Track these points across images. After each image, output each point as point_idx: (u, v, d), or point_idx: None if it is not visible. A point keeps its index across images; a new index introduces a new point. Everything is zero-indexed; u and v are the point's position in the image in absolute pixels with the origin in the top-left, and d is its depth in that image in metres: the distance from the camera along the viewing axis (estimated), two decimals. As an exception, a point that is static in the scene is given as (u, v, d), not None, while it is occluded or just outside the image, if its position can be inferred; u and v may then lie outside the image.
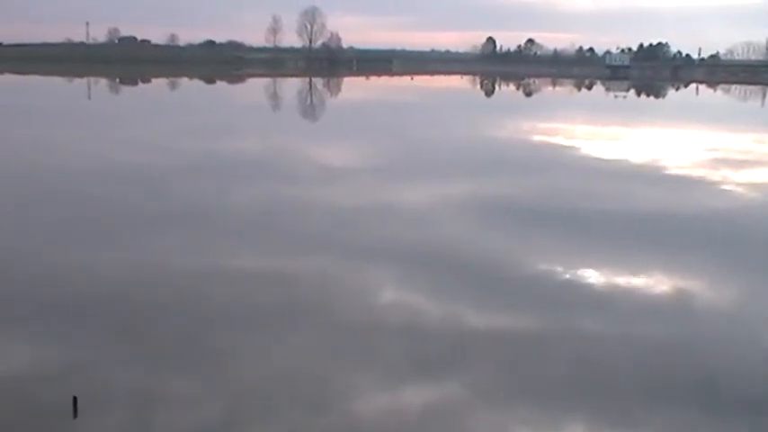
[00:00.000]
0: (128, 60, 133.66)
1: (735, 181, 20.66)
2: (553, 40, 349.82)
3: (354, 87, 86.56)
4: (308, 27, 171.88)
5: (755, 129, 41.76)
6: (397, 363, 7.91)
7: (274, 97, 65.05)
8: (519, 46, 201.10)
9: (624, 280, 11.07)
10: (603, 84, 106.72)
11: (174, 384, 7.31)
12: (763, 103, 72.53)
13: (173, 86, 77.34)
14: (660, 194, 18.55)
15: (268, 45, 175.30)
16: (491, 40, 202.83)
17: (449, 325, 9.05)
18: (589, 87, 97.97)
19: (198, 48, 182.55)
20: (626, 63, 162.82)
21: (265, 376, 7.59)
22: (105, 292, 9.94)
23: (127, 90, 73.18)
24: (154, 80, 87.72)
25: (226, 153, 24.26)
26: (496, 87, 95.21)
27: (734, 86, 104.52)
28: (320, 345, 8.42)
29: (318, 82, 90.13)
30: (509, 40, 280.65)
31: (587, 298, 10.28)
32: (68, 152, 24.05)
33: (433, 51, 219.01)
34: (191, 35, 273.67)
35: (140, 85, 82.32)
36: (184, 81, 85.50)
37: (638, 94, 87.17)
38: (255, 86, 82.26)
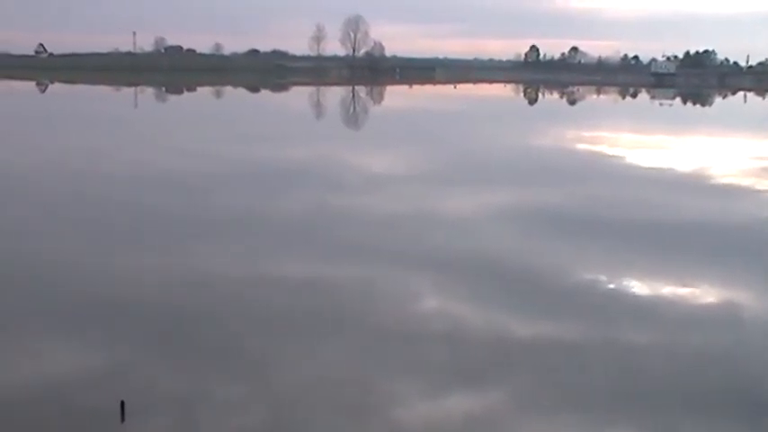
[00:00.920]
0: (174, 69, 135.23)
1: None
2: (597, 47, 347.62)
3: (397, 96, 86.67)
4: (352, 35, 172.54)
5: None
6: (440, 370, 7.91)
7: (318, 105, 65.40)
8: (563, 54, 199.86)
9: (669, 290, 10.96)
10: (648, 92, 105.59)
11: (218, 389, 7.39)
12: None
13: (217, 95, 78.11)
14: (707, 204, 18.32)
15: (311, 53, 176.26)
16: (534, 48, 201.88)
17: (491, 333, 9.04)
18: (634, 95, 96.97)
19: (242, 56, 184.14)
20: (672, 71, 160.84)
21: (308, 382, 7.64)
22: (152, 297, 10.10)
23: (173, 98, 74.08)
24: (199, 89, 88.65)
25: (270, 161, 24.48)
26: (540, 95, 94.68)
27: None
28: (363, 351, 8.46)
29: (361, 90, 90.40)
30: (553, 47, 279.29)
31: (631, 308, 10.19)
32: (116, 160, 24.39)
33: (476, 60, 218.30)
34: (235, 44, 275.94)
35: (186, 93, 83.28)
36: (229, 89, 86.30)
37: (684, 102, 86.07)
38: (299, 95, 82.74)
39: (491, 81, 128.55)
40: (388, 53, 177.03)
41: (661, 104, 77.38)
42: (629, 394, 7.54)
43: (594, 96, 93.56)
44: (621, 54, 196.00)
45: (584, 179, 22.03)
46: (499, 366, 8.09)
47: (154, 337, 8.72)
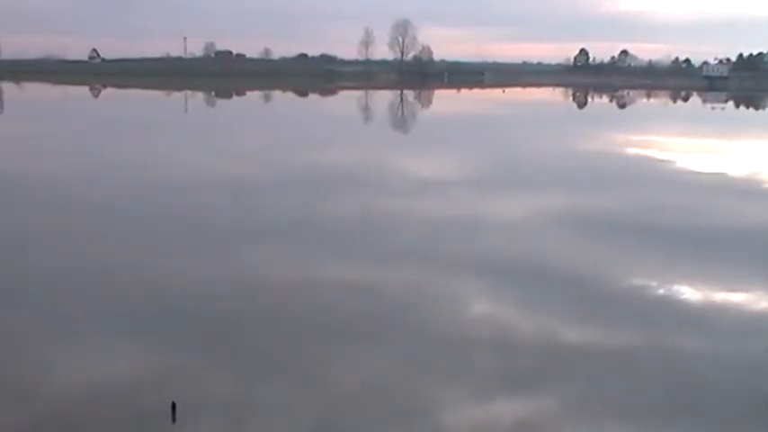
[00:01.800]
0: (223, 74, 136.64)
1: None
2: (648, 50, 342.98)
3: (445, 100, 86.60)
4: (400, 40, 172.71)
5: None
6: (488, 375, 7.89)
7: (366, 109, 65.55)
8: (612, 57, 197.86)
9: (721, 296, 10.80)
10: (700, 95, 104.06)
11: (267, 391, 7.46)
12: None
13: (266, 99, 78.79)
14: (760, 209, 18.00)
15: (360, 58, 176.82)
16: (584, 52, 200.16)
17: (540, 339, 8.99)
18: (685, 99, 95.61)
19: (291, 61, 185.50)
20: (724, 74, 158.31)
21: (356, 386, 7.67)
22: (204, 300, 10.23)
23: (222, 103, 74.83)
24: (248, 93, 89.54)
25: (318, 165, 24.61)
26: (589, 99, 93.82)
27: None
28: (410, 355, 8.47)
29: (409, 94, 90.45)
30: (602, 51, 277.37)
31: (683, 314, 10.06)
32: (166, 164, 24.75)
33: (524, 63, 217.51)
34: (284, 49, 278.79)
35: (235, 97, 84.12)
36: (277, 94, 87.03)
37: (737, 105, 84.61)
38: (347, 99, 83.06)
39: (540, 85, 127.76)
40: (436, 57, 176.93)
41: (713, 108, 76.21)
42: (681, 404, 7.44)
43: (644, 100, 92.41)
44: (672, 57, 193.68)
45: (633, 184, 21.77)
46: (548, 373, 8.03)
47: (205, 340, 8.83)
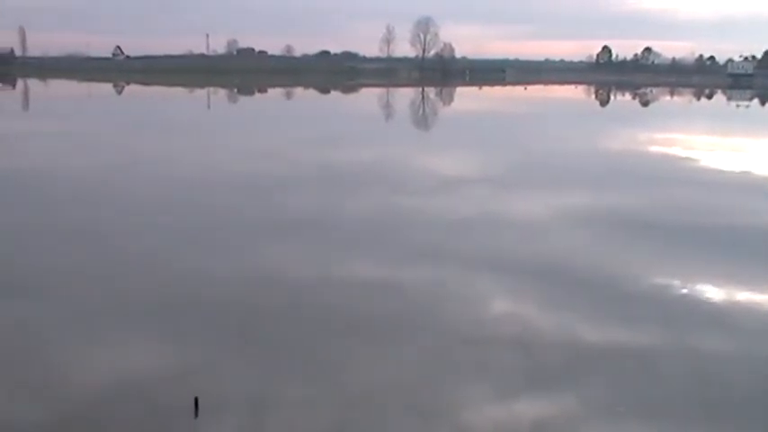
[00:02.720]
0: (245, 71, 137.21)
1: None
2: (671, 48, 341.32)
3: (466, 97, 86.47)
4: (422, 37, 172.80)
5: None
6: (510, 374, 7.89)
7: (387, 107, 65.59)
8: (635, 54, 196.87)
9: (745, 297, 10.73)
10: (725, 93, 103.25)
11: (289, 388, 7.49)
12: None
13: (288, 96, 79.00)
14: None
15: (381, 55, 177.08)
16: (606, 49, 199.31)
17: (562, 338, 8.97)
18: (709, 97, 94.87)
19: (313, 58, 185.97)
20: (749, 71, 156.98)
21: (378, 384, 7.69)
22: (227, 296, 10.29)
23: (244, 100, 75.15)
24: (270, 90, 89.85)
25: (341, 162, 24.68)
26: (611, 97, 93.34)
27: None
28: (433, 353, 8.48)
29: (431, 92, 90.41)
30: (625, 48, 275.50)
31: (705, 314, 9.99)
32: (187, 162, 24.89)
33: (546, 61, 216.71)
34: (306, 46, 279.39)
35: (257, 94, 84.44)
36: (299, 91, 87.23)
37: (762, 103, 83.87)
38: (369, 96, 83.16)
39: (562, 82, 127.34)
40: (457, 54, 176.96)
41: (738, 106, 75.58)
42: (706, 404, 7.40)
43: (668, 98, 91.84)
44: (696, 54, 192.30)
45: (656, 182, 21.64)
46: (571, 372, 8.01)
47: (227, 336, 8.89)
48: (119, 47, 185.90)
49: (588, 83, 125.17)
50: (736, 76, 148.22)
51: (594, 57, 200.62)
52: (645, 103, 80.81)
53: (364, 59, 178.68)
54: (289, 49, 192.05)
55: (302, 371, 7.93)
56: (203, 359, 8.20)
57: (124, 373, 7.77)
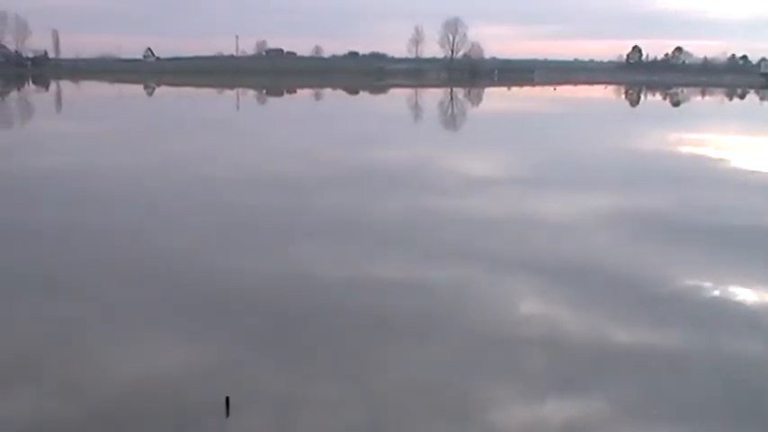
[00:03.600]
0: (274, 71, 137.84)
1: None
2: (703, 47, 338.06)
3: (495, 98, 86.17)
4: (450, 38, 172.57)
5: None
6: (538, 376, 7.88)
7: (417, 107, 65.54)
8: (666, 54, 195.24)
9: (778, 299, 10.63)
10: (758, 93, 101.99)
11: (318, 387, 7.53)
12: None
13: (316, 97, 79.23)
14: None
15: (410, 56, 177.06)
16: (637, 49, 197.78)
17: (591, 339, 8.94)
18: (742, 96, 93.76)
19: (341, 59, 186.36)
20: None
21: (405, 384, 7.70)
22: (257, 296, 10.37)
23: (273, 101, 75.46)
24: (299, 91, 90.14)
25: (371, 162, 24.75)
26: (642, 97, 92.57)
27: None
28: (460, 353, 8.49)
29: (459, 92, 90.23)
30: (656, 48, 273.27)
31: (737, 316, 9.91)
32: (216, 162, 25.05)
33: (576, 61, 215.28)
34: (335, 47, 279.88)
35: (285, 95, 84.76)
36: (328, 92, 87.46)
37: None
38: (397, 97, 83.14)
39: (592, 83, 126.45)
40: (486, 55, 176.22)
41: (771, 106, 74.65)
42: (737, 406, 7.35)
43: (699, 98, 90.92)
44: (729, 54, 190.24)
45: (687, 183, 21.47)
46: (599, 374, 7.99)
47: (258, 336, 8.95)
48: (150, 48, 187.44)
49: (618, 83, 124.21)
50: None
51: (624, 57, 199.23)
52: (676, 104, 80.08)
53: (393, 60, 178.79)
54: (317, 49, 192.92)
55: (331, 369, 7.97)
56: (233, 358, 8.26)
57: (156, 370, 7.86)
